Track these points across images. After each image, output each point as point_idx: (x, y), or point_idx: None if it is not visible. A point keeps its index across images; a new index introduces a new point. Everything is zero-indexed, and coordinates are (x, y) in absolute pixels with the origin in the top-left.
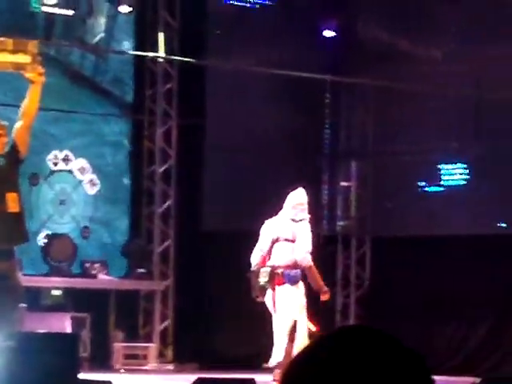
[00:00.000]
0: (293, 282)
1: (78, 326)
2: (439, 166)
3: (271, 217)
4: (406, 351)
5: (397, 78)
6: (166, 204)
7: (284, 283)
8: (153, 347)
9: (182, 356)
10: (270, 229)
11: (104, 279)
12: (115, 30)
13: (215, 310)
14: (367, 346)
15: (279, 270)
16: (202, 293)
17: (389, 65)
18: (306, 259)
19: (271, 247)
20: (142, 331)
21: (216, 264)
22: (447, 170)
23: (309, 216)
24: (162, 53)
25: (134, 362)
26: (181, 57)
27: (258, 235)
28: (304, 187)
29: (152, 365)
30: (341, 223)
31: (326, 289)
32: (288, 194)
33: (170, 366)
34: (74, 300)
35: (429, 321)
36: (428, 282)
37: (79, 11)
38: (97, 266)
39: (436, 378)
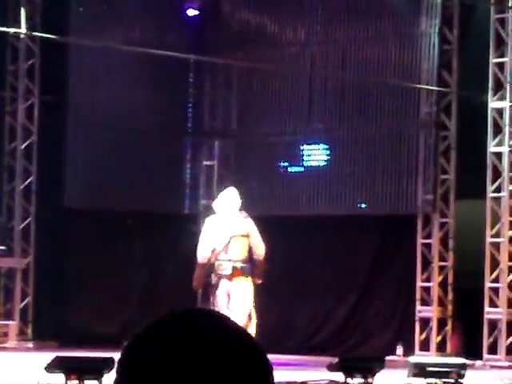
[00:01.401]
0: (248, 274)
1: None
2: (301, 147)
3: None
4: (237, 333)
5: (261, 59)
6: (28, 181)
7: (241, 275)
8: (13, 325)
9: (42, 334)
10: (223, 226)
11: None
12: None
13: (76, 288)
14: (197, 328)
15: (238, 264)
16: (63, 270)
17: (253, 45)
18: (263, 253)
19: (228, 243)
20: (2, 309)
21: (77, 241)
22: (309, 150)
23: None
24: (23, 29)
25: None
26: (43, 33)
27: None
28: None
29: (12, 342)
30: (203, 202)
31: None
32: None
33: (30, 344)
34: None
35: (290, 301)
36: (290, 263)
37: None
38: None
39: (296, 357)
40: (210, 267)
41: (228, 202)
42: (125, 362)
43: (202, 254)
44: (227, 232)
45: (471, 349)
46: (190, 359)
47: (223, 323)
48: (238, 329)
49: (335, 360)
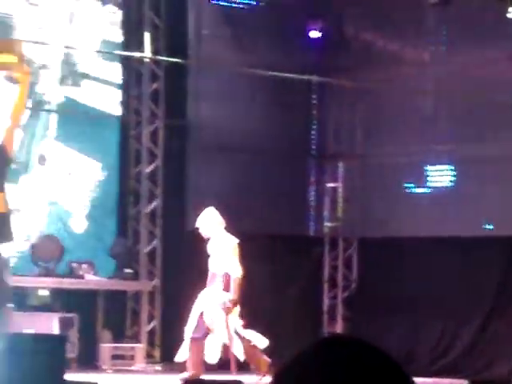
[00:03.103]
0: None
1: (65, 326)
2: (426, 168)
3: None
4: (385, 360)
5: (385, 79)
6: (153, 204)
7: None
8: (140, 348)
9: (170, 356)
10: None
11: (91, 280)
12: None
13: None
14: (347, 356)
15: None
16: (189, 293)
17: (376, 66)
18: None
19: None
20: (130, 331)
21: (202, 264)
22: (434, 171)
23: None
24: (148, 53)
25: (122, 362)
26: (167, 57)
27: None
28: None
29: (139, 365)
30: (328, 224)
31: None
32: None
33: (158, 367)
34: (62, 300)
35: (416, 322)
36: (415, 283)
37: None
38: (84, 266)
39: (423, 379)
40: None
41: (221, 222)
42: None
43: (240, 271)
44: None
45: None
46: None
47: (377, 351)
48: (387, 355)
49: (465, 382)
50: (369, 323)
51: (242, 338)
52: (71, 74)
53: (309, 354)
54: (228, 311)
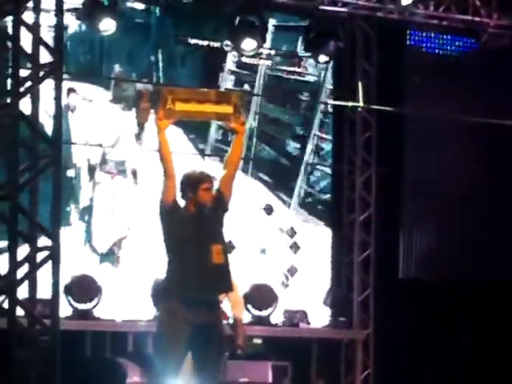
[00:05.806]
0: None
1: (278, 375)
2: None
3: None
4: None
5: None
6: (366, 253)
7: None
8: None
9: None
10: None
11: (305, 328)
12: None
13: (416, 360)
14: None
15: None
16: (402, 341)
17: None
18: None
19: None
20: (344, 381)
21: (413, 313)
22: None
23: None
24: (360, 102)
25: None
26: (379, 105)
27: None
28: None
29: None
30: None
31: None
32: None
33: None
34: (275, 349)
35: None
36: None
37: None
38: (298, 314)
39: None
40: None
41: None
42: None
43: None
44: None
45: None
46: None
47: None
48: None
49: None
50: None
51: None
52: None
53: None
54: None
